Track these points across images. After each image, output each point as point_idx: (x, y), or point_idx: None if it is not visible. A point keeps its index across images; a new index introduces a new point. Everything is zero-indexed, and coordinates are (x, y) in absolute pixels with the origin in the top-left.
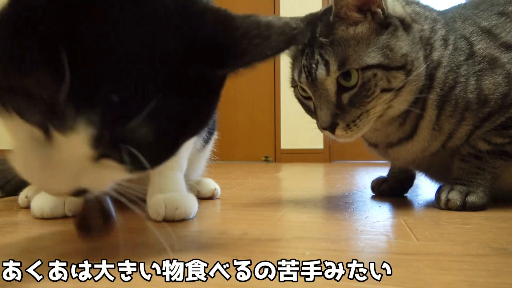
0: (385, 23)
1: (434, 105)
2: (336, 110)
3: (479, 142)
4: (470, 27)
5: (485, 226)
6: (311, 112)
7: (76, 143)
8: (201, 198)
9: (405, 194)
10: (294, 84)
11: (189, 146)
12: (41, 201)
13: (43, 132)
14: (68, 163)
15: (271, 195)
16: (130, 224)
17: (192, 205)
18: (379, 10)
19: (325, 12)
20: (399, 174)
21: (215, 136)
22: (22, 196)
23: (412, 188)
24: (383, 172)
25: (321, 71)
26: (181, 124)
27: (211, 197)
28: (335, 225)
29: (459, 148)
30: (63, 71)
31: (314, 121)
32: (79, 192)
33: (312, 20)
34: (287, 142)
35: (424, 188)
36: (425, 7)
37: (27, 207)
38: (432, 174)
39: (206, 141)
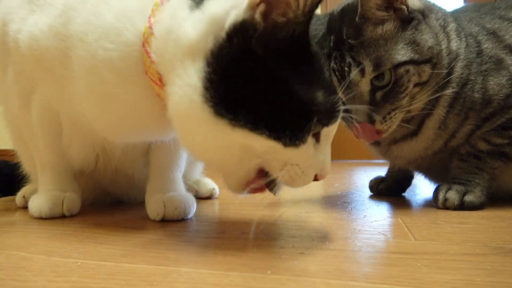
0: (408, 18)
1: (447, 102)
2: (370, 107)
3: (479, 142)
4: (475, 27)
5: (483, 226)
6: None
7: (335, 129)
8: (199, 197)
9: (403, 194)
10: None
11: None
12: (39, 201)
13: (315, 138)
14: (329, 145)
15: (269, 194)
16: (129, 223)
17: (190, 204)
18: (403, 7)
19: (345, 13)
20: (397, 174)
21: None
22: (19, 196)
23: (410, 187)
24: (382, 171)
25: (355, 74)
26: None
27: (209, 197)
28: (333, 224)
29: (458, 148)
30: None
31: None
32: None
33: (330, 20)
34: None
35: (422, 187)
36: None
37: (25, 207)
38: (431, 174)
39: None
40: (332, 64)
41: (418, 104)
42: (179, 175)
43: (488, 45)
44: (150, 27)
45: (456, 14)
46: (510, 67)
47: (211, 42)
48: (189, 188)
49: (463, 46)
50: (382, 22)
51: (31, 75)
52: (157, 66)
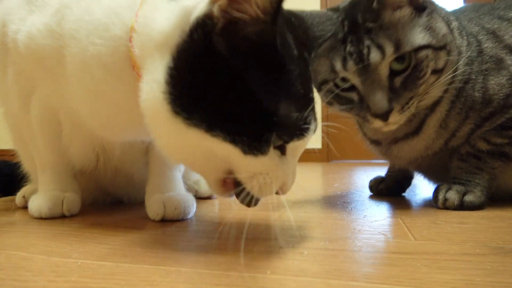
0: (421, 7)
1: (449, 99)
2: (389, 93)
3: (479, 142)
4: (475, 27)
5: (483, 225)
6: (352, 104)
7: (305, 144)
8: (199, 197)
9: (403, 194)
10: (332, 77)
11: None
12: (39, 201)
13: (280, 151)
14: (296, 160)
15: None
16: (129, 223)
17: (190, 205)
18: None
19: (356, 2)
20: (397, 174)
21: None
22: (19, 196)
23: (410, 187)
24: (381, 171)
25: (375, 55)
26: None
27: (209, 197)
28: (333, 224)
29: (458, 148)
30: None
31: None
32: None
33: (344, 9)
34: None
35: (422, 187)
36: None
37: (24, 207)
38: (431, 174)
39: None
40: (348, 47)
41: (433, 93)
42: (178, 175)
43: (488, 45)
44: (136, 21)
45: (455, 14)
46: (510, 67)
47: (178, 36)
48: (189, 188)
49: (465, 45)
50: (399, 7)
51: (30, 75)
52: (138, 60)
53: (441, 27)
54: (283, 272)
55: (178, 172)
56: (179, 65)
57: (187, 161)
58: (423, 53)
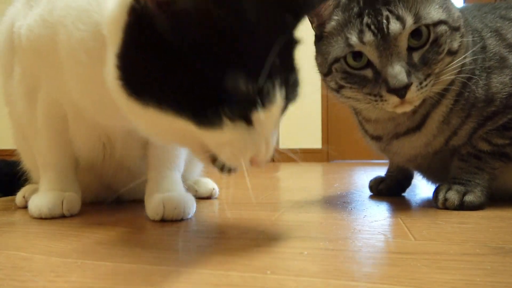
0: None
1: (455, 93)
2: (409, 67)
3: (480, 142)
4: (479, 24)
5: (483, 225)
6: (366, 82)
7: (277, 107)
8: (199, 197)
9: (403, 194)
10: (344, 53)
11: None
12: (39, 201)
13: (245, 122)
14: (271, 130)
15: (269, 194)
16: (129, 223)
17: (190, 205)
18: None
19: None
20: (397, 174)
21: None
22: (19, 196)
23: (409, 187)
24: (381, 171)
25: (395, 25)
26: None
27: (209, 197)
28: (333, 224)
29: (459, 148)
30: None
31: (317, 118)
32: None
33: None
34: (285, 141)
35: (422, 187)
36: None
37: (25, 207)
38: (430, 174)
39: None
40: (366, 19)
41: (447, 76)
42: (177, 175)
43: (491, 42)
44: (105, 7)
45: (460, 10)
46: None
47: (122, 17)
48: (189, 188)
49: (471, 40)
50: None
51: (34, 72)
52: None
53: (455, 10)
54: (283, 272)
55: (177, 171)
56: (124, 48)
57: (170, 141)
58: (442, 28)
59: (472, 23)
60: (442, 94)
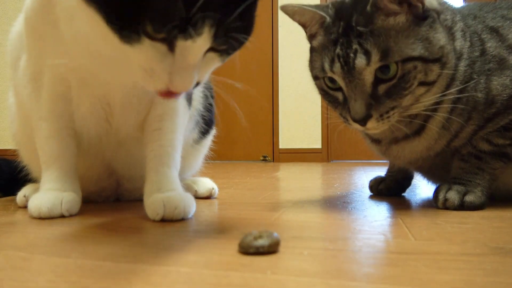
0: (422, 16)
1: (451, 101)
2: (371, 100)
3: (481, 143)
4: (479, 25)
5: (483, 226)
6: (337, 103)
7: (199, 44)
8: (198, 197)
9: (403, 194)
10: (321, 75)
11: (181, 139)
12: (38, 201)
13: (168, 47)
14: (192, 64)
15: (269, 194)
16: (129, 223)
17: (190, 204)
18: (419, 4)
19: (358, 1)
20: (397, 174)
21: (213, 132)
22: (20, 195)
23: (410, 187)
24: (381, 171)
25: (360, 60)
26: (249, 17)
27: (208, 197)
28: (333, 224)
29: (460, 148)
30: None
31: (316, 118)
32: (195, 85)
33: (341, 8)
34: (285, 141)
35: (422, 187)
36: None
37: (25, 206)
38: (431, 175)
39: (203, 133)
40: (338, 50)
41: (422, 106)
42: (175, 173)
43: (491, 44)
44: None
45: (462, 12)
46: None
47: None
48: (188, 188)
49: (467, 46)
50: (394, 14)
51: (38, 49)
52: None
53: (440, 38)
54: (283, 272)
55: (175, 169)
56: None
57: (109, 52)
58: (410, 65)
59: (472, 25)
60: (434, 109)
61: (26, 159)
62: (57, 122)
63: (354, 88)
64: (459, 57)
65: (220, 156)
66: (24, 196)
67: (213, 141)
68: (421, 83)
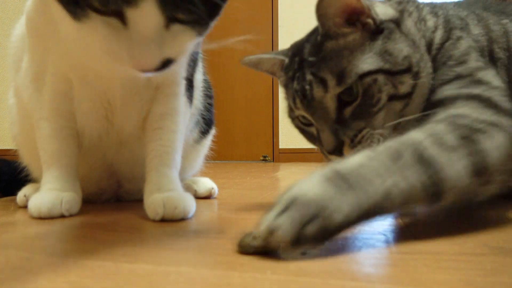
0: (377, 30)
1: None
2: (336, 126)
3: None
4: (457, 20)
5: (483, 225)
6: (314, 139)
7: (148, 12)
8: (198, 197)
9: None
10: (292, 115)
11: (182, 139)
12: (38, 201)
13: (120, 21)
14: (148, 37)
15: (269, 194)
16: (129, 223)
17: (190, 204)
18: (369, 20)
19: (311, 34)
20: None
21: (213, 131)
22: (20, 195)
23: None
24: None
25: (317, 90)
26: None
27: (208, 197)
28: None
29: None
30: None
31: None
32: (167, 63)
33: (297, 45)
34: (285, 141)
35: None
36: None
37: (26, 206)
38: None
39: (203, 133)
40: (295, 85)
41: (407, 119)
42: (176, 173)
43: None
44: None
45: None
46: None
47: None
48: (188, 188)
49: (441, 22)
50: (346, 35)
51: (39, 49)
52: None
53: (401, 49)
54: (283, 272)
55: (175, 169)
56: None
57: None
58: (368, 79)
59: (453, 13)
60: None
61: (26, 159)
62: (58, 121)
63: (319, 118)
64: (434, 31)
65: (220, 156)
66: (24, 196)
67: (213, 141)
68: (393, 97)
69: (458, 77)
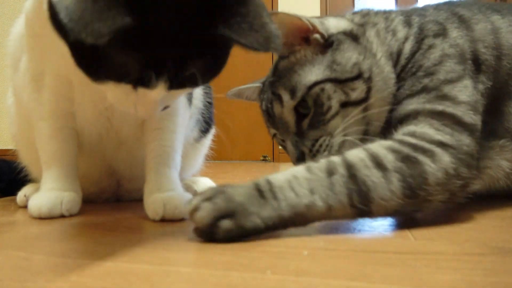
0: (327, 44)
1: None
2: (296, 138)
3: None
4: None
5: (483, 225)
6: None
7: (158, 92)
8: None
9: None
10: (271, 134)
11: (181, 138)
12: (38, 201)
13: (132, 87)
14: (154, 101)
15: None
16: (129, 223)
17: None
18: (316, 36)
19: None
20: None
21: (213, 130)
22: (20, 195)
23: None
24: None
25: (276, 106)
26: (207, 67)
27: None
28: (332, 224)
29: None
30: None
31: None
32: (164, 108)
33: (270, 71)
34: None
35: None
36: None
37: (26, 206)
38: None
39: (204, 132)
40: (263, 106)
41: (375, 125)
42: (176, 173)
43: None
44: None
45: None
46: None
47: None
48: (188, 188)
49: (413, 32)
50: (295, 53)
51: (39, 53)
52: None
53: (350, 57)
54: (283, 272)
55: (175, 169)
56: None
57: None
58: (317, 89)
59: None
60: None
61: (25, 159)
62: (57, 121)
63: (283, 133)
64: (404, 42)
65: (220, 156)
66: (25, 195)
67: (213, 141)
68: (346, 104)
69: (424, 89)
